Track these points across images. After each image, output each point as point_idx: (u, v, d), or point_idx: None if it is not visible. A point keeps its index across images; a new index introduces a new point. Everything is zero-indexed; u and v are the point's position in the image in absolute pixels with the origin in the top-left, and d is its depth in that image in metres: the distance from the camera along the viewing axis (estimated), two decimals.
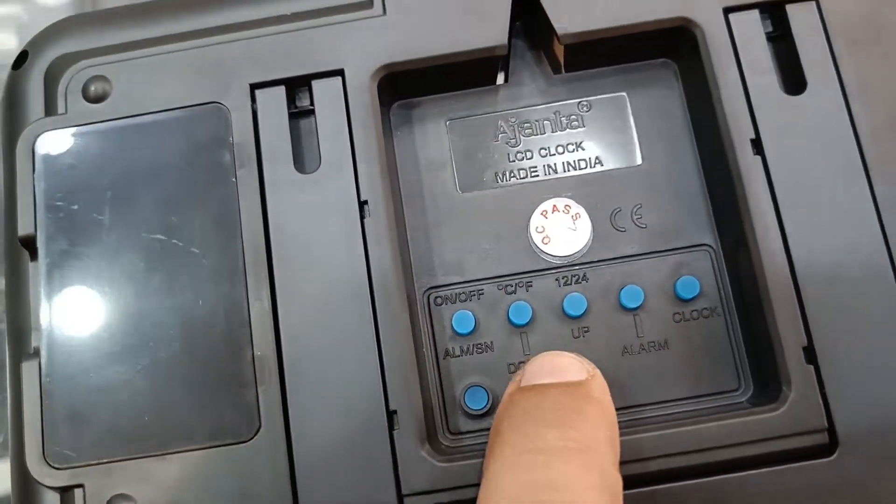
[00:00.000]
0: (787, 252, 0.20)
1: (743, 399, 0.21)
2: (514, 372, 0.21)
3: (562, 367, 0.18)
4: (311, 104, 0.22)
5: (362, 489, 0.19)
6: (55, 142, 0.23)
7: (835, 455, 0.19)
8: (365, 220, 0.21)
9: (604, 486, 0.16)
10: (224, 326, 0.21)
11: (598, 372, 0.18)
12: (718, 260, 0.21)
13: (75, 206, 0.22)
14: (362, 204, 0.21)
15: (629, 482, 0.19)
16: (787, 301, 0.19)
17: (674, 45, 0.22)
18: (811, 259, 0.20)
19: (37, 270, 0.22)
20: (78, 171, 0.22)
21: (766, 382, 0.20)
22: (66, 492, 0.20)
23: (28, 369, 0.21)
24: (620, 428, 0.20)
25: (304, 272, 0.21)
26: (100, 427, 0.21)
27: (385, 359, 0.20)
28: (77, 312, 0.21)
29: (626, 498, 0.19)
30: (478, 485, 0.18)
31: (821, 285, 0.20)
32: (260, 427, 0.20)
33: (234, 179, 0.22)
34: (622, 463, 0.19)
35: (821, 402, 0.19)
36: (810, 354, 0.19)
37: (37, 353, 0.21)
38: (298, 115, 0.22)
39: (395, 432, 0.19)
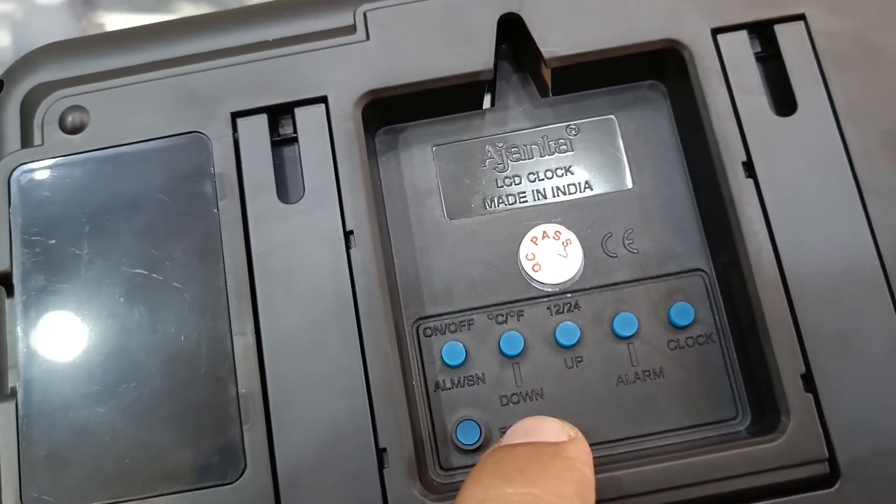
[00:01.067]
0: (782, 277, 0.19)
1: (741, 428, 0.20)
2: (506, 405, 0.21)
3: (538, 429, 0.17)
4: (295, 132, 0.22)
5: None
6: (32, 174, 0.22)
7: (836, 486, 0.18)
8: (351, 251, 0.20)
9: None
10: (207, 363, 0.20)
11: (580, 436, 0.17)
12: (712, 285, 0.21)
13: (53, 241, 0.22)
14: (348, 234, 0.20)
15: None
16: (783, 327, 0.19)
17: (662, 66, 0.22)
18: (807, 283, 0.19)
19: (13, 308, 0.21)
20: (55, 205, 0.22)
21: (765, 410, 0.20)
22: None
23: (4, 411, 0.20)
24: (616, 461, 0.19)
25: (289, 305, 0.20)
26: (80, 470, 0.20)
27: (374, 394, 0.19)
28: (55, 351, 0.21)
29: None
30: None
31: (817, 310, 0.19)
32: (245, 467, 0.19)
33: (215, 211, 0.21)
34: (618, 498, 0.18)
35: (821, 431, 0.19)
36: (809, 382, 0.19)
37: (13, 393, 0.21)
38: (281, 143, 0.22)
39: (385, 470, 0.19)
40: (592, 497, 0.17)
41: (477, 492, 0.16)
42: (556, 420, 0.18)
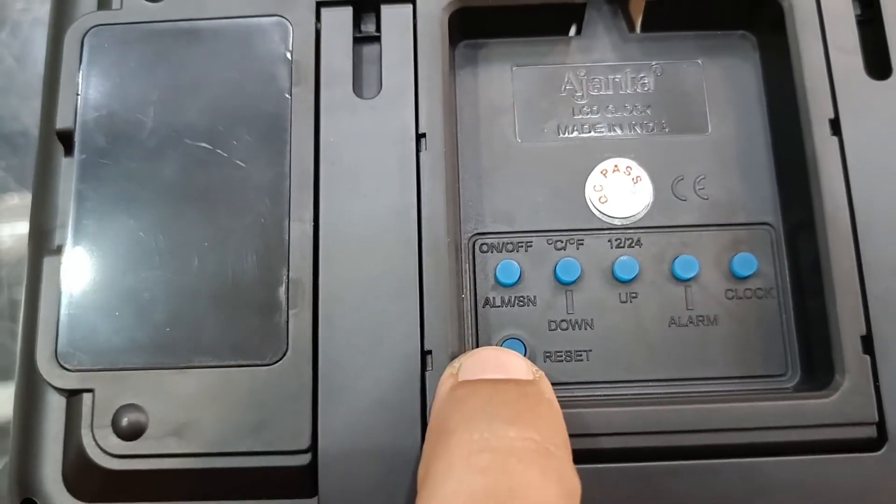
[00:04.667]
0: (854, 239, 0.19)
1: (789, 385, 0.20)
2: (553, 330, 0.20)
3: (508, 364, 0.16)
4: (378, 31, 0.21)
5: (387, 428, 0.18)
6: (106, 37, 0.22)
7: (882, 451, 0.18)
8: (421, 154, 0.20)
9: (562, 492, 0.14)
10: (262, 244, 0.20)
11: (542, 374, 0.17)
12: (778, 240, 0.21)
13: (119, 106, 0.21)
14: (420, 136, 0.20)
15: (666, 454, 0.18)
16: (849, 287, 0.19)
17: (757, 16, 0.22)
18: (880, 248, 0.19)
19: (70, 167, 0.21)
20: (126, 70, 0.22)
21: (815, 371, 0.19)
22: (73, 395, 0.20)
23: (49, 265, 0.20)
24: (659, 401, 0.19)
25: (352, 198, 0.20)
26: (118, 333, 0.20)
27: (425, 297, 0.19)
28: (107, 214, 0.21)
29: (663, 469, 0.18)
30: None
31: (887, 276, 0.19)
32: (287, 351, 0.19)
33: (287, 96, 0.21)
34: (659, 433, 0.18)
35: (874, 393, 0.18)
36: (868, 344, 0.19)
37: (60, 250, 0.20)
38: (361, 40, 0.22)
39: (427, 373, 0.19)
40: (568, 437, 0.16)
41: (472, 434, 0.15)
42: (517, 354, 0.17)
